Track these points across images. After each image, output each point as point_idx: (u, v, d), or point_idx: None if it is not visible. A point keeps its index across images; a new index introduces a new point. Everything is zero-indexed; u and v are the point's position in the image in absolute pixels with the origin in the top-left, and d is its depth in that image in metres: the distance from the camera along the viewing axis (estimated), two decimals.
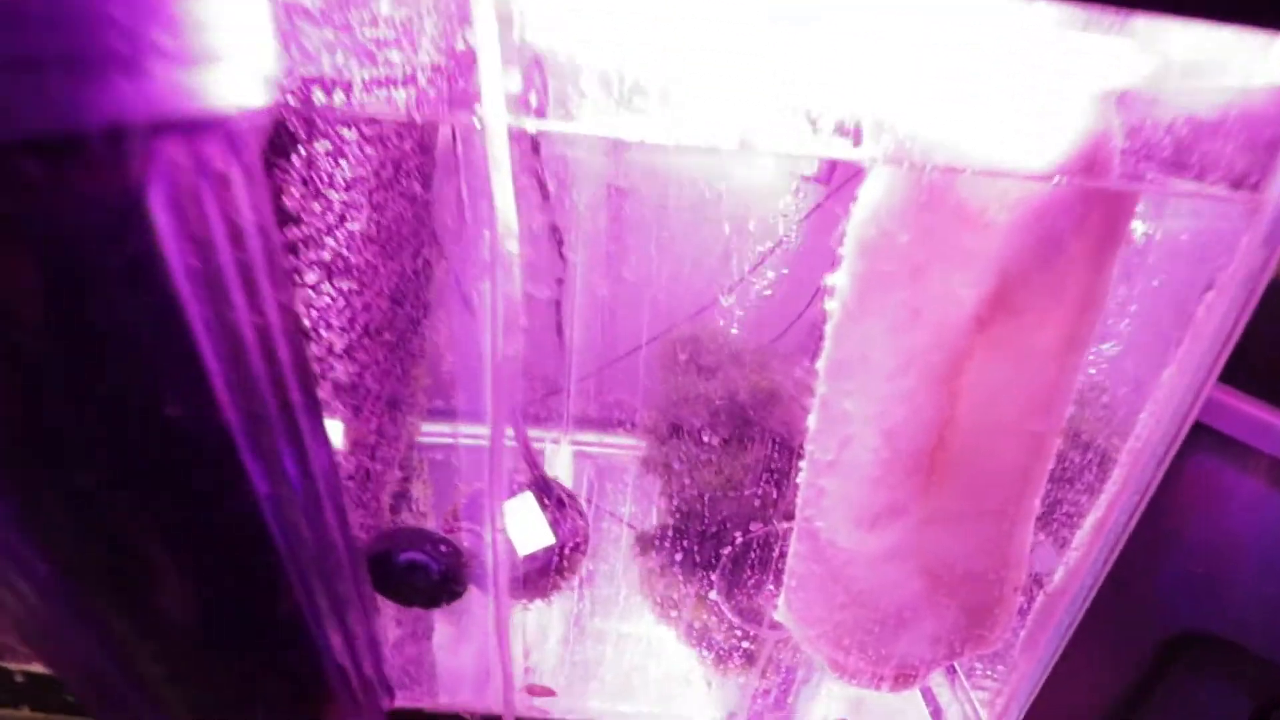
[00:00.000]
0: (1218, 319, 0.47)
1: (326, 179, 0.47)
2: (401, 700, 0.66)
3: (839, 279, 0.51)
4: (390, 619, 0.70)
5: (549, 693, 0.69)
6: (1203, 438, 0.71)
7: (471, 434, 0.68)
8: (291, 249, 0.48)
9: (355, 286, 0.57)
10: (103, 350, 0.24)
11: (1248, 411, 0.70)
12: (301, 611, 0.39)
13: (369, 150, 0.52)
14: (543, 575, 0.59)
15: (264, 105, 0.28)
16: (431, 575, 0.56)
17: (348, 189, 0.51)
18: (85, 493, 0.28)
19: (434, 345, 0.77)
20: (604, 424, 1.08)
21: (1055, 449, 0.55)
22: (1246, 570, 0.74)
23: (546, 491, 0.60)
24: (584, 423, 1.09)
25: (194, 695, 0.39)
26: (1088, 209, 0.45)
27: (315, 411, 0.37)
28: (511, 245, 0.43)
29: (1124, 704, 0.83)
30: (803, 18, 0.41)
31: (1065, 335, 0.50)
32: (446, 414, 0.77)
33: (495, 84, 0.37)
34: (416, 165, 0.63)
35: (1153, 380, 0.56)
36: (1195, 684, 0.80)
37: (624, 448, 1.07)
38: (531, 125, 0.41)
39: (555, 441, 1.11)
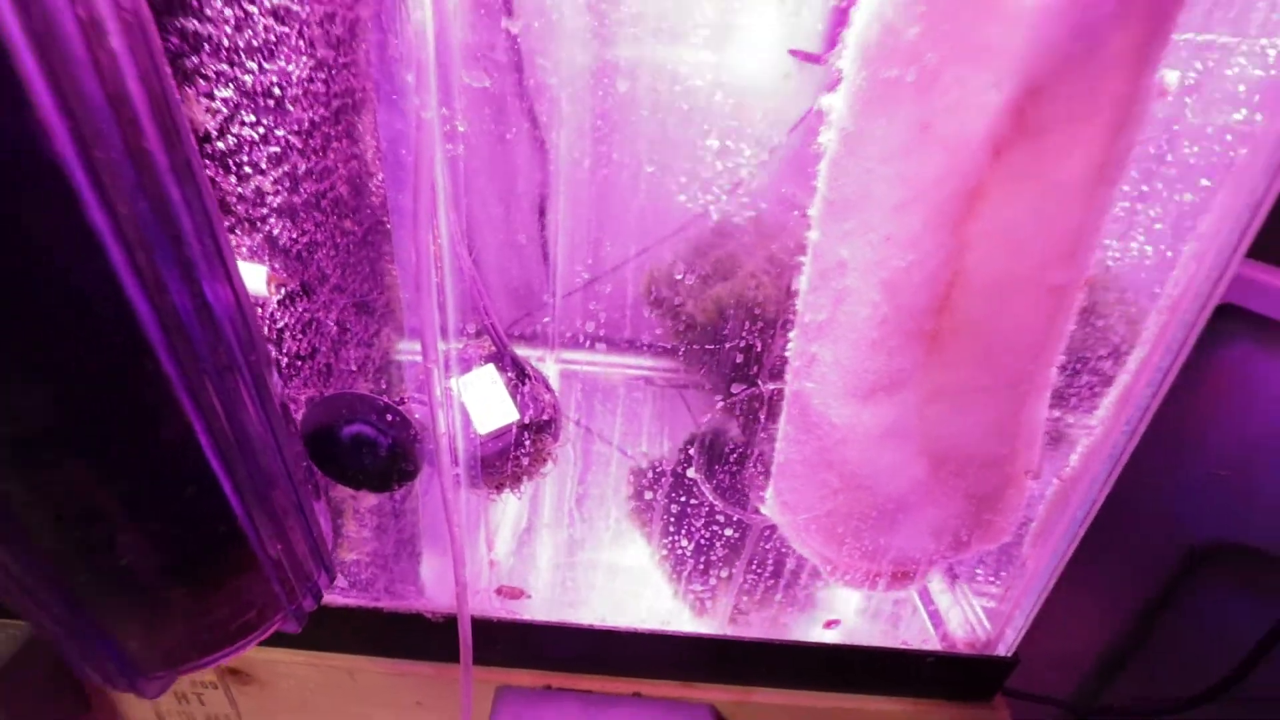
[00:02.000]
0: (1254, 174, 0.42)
1: None
2: (357, 599, 0.61)
3: (835, 99, 0.44)
4: (352, 516, 0.66)
5: (521, 594, 0.64)
6: (1235, 320, 0.65)
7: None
8: (203, 79, 0.41)
9: (287, 137, 0.50)
10: None
11: None
12: (209, 477, 0.34)
13: None
14: (505, 458, 0.54)
15: None
16: (379, 451, 0.50)
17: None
18: None
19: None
20: (591, 341, 1.02)
21: (1077, 306, 0.49)
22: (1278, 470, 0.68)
23: (511, 365, 0.54)
24: (570, 341, 1.04)
25: (97, 562, 0.33)
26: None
27: (218, 247, 0.31)
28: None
29: (1142, 617, 0.78)
30: None
31: (1096, 163, 0.43)
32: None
33: None
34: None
35: (1181, 242, 0.50)
36: (1220, 595, 0.75)
37: (613, 366, 1.02)
38: None
39: (540, 360, 1.06)
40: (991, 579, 0.66)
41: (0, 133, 0.23)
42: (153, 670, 0.38)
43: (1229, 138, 0.48)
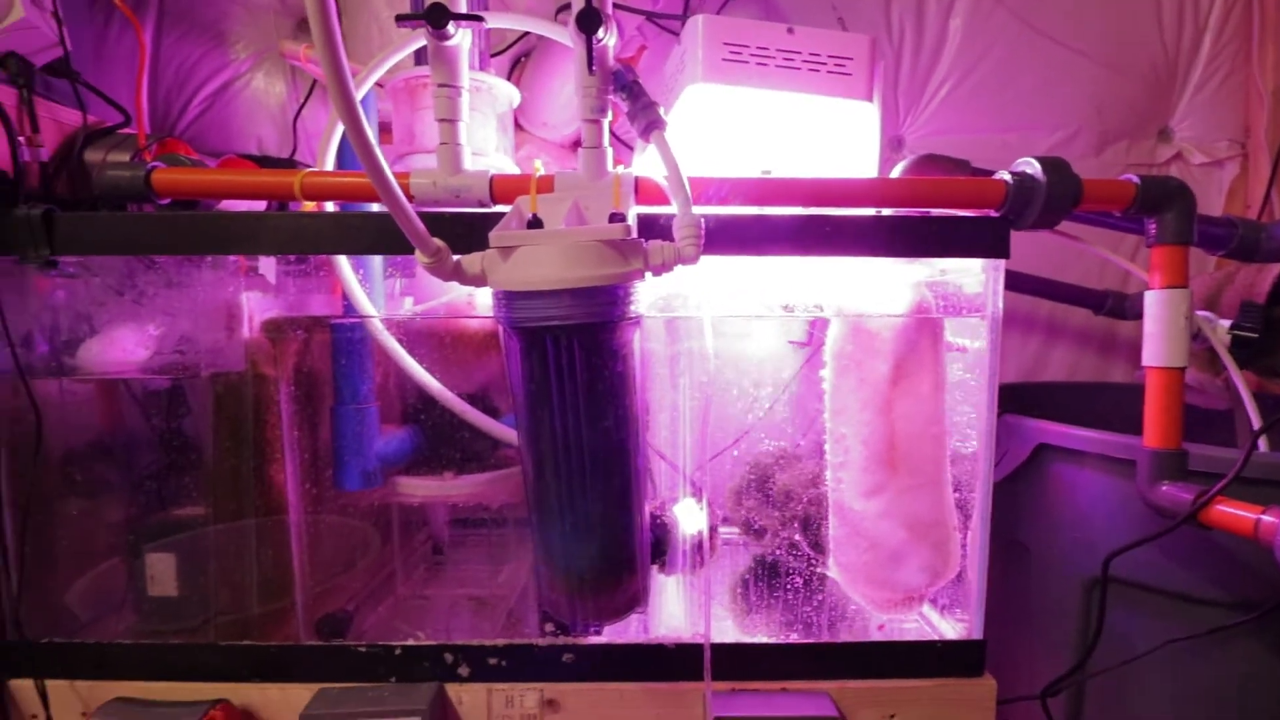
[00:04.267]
0: (986, 386, 1.08)
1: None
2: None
3: (826, 371, 1.11)
4: None
5: None
6: (1055, 454, 1.27)
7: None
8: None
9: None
10: (615, 379, 0.84)
11: (1080, 434, 1.26)
12: (630, 515, 0.93)
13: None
14: (698, 549, 1.10)
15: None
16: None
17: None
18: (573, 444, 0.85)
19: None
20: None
21: (948, 443, 1.11)
22: (1101, 526, 1.25)
23: (699, 499, 1.14)
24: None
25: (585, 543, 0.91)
26: (923, 326, 1.07)
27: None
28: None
29: (1078, 634, 1.27)
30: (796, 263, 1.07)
31: (932, 384, 1.09)
32: None
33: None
34: None
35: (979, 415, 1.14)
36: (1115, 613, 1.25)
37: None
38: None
39: None
40: (959, 608, 1.18)
41: (623, 412, 0.87)
42: (584, 621, 0.92)
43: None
